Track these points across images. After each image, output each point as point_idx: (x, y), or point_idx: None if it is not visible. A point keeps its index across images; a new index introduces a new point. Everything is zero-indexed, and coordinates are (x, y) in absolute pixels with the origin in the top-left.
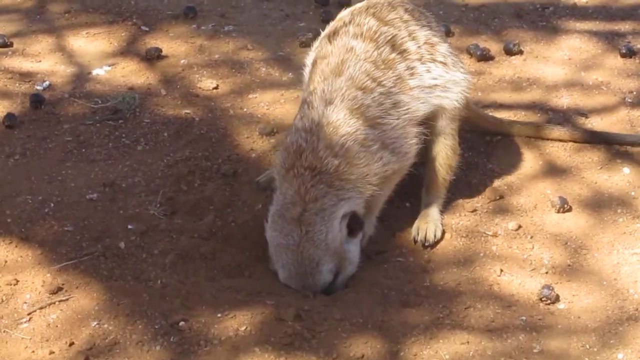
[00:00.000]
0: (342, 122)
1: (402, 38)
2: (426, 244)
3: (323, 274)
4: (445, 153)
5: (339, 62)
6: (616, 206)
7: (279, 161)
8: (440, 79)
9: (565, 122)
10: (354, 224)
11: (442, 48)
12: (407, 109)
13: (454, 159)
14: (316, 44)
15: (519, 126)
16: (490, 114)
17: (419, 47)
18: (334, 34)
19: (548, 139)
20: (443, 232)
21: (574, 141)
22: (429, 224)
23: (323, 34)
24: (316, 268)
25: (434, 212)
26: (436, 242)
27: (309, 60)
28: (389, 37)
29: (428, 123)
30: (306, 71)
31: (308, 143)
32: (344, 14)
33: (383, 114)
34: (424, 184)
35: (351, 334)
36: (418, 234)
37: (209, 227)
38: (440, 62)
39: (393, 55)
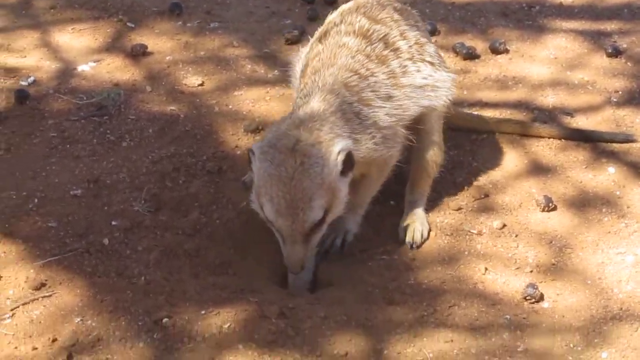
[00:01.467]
0: (337, 91)
1: (394, 37)
2: (413, 245)
3: (314, 210)
4: (432, 150)
5: (330, 55)
6: (601, 205)
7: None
8: (429, 78)
9: (550, 121)
10: (347, 162)
11: (430, 49)
12: (399, 105)
13: (440, 156)
14: (306, 48)
15: (503, 123)
16: (476, 112)
17: (409, 46)
18: (324, 35)
19: (529, 136)
20: (429, 232)
21: (555, 138)
22: (415, 223)
23: (313, 38)
24: (308, 202)
25: (419, 211)
26: (423, 242)
27: (298, 65)
28: (382, 35)
29: (415, 124)
30: (294, 71)
31: (304, 109)
32: (334, 15)
33: (377, 100)
34: (409, 182)
35: (335, 332)
36: (405, 235)
37: (194, 224)
38: (429, 62)
39: (386, 52)
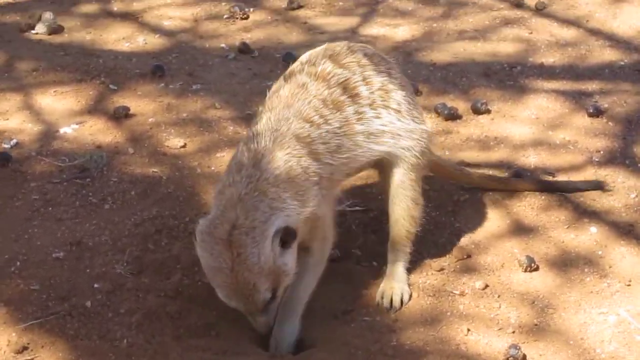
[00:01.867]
0: (287, 144)
1: (355, 82)
2: (391, 310)
3: (261, 293)
4: (405, 204)
5: (288, 95)
6: (583, 265)
7: (220, 179)
8: (390, 125)
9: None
10: (286, 236)
11: (398, 95)
12: (347, 156)
13: (415, 209)
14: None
15: (483, 178)
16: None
17: (371, 92)
18: (289, 74)
19: (506, 191)
20: (410, 295)
21: (532, 191)
22: (394, 288)
23: (281, 76)
24: (253, 289)
25: (399, 272)
26: (402, 306)
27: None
28: (342, 80)
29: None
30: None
31: (249, 159)
32: (303, 56)
33: (326, 153)
34: (389, 240)
35: None
36: (383, 299)
37: (176, 286)
38: (394, 109)
39: (343, 97)
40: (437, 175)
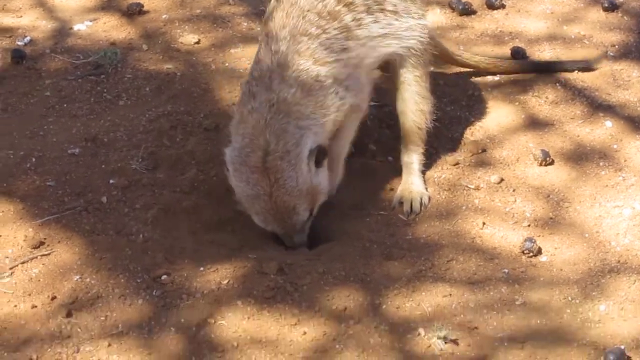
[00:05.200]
0: (291, 62)
1: None
2: (411, 214)
3: (300, 214)
4: (413, 100)
5: (283, 15)
6: (598, 159)
7: (235, 113)
8: (389, 27)
9: (546, 75)
10: (319, 155)
11: None
12: (356, 54)
13: (424, 104)
14: None
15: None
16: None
17: None
18: None
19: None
20: (429, 198)
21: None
22: (413, 193)
23: None
24: (293, 211)
25: (416, 176)
26: (423, 210)
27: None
28: None
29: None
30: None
31: (260, 86)
32: None
33: (332, 54)
34: (402, 140)
35: (333, 287)
36: (402, 204)
37: (191, 182)
38: (390, 10)
39: (339, 7)
40: (445, 62)
